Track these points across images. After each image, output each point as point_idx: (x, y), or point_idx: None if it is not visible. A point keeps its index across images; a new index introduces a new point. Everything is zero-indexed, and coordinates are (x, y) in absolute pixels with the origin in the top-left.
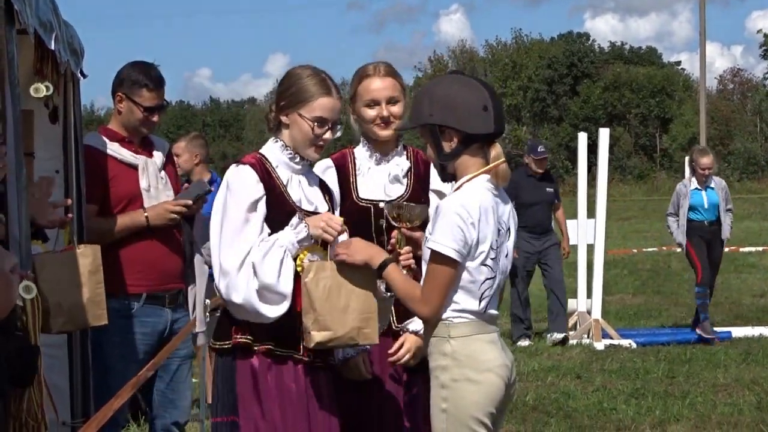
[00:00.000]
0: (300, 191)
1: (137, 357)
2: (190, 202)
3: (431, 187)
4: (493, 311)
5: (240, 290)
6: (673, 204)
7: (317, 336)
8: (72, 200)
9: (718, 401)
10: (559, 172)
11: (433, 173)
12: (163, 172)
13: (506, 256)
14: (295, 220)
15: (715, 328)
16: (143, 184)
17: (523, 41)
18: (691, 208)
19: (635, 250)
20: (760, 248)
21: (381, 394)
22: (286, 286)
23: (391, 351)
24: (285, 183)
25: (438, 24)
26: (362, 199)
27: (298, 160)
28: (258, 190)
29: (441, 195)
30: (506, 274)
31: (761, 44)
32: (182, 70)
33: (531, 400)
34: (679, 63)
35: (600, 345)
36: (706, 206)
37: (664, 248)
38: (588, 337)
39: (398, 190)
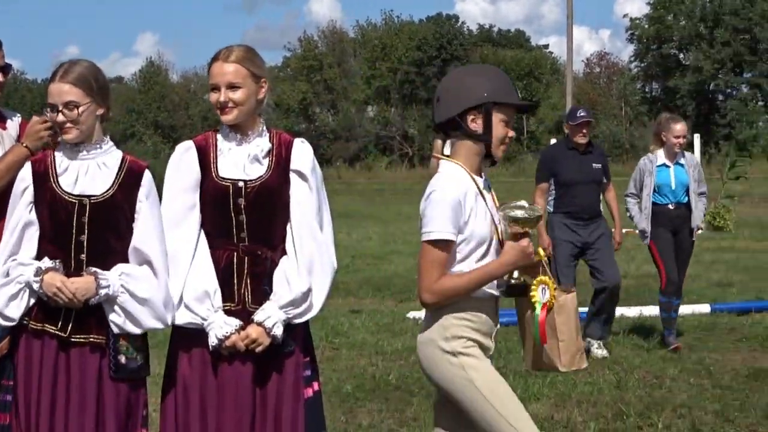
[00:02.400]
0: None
1: None
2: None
3: (292, 167)
4: None
5: None
6: (634, 181)
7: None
8: None
9: (578, 380)
10: (428, 153)
11: (295, 154)
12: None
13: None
14: (45, 264)
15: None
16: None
17: (393, 22)
18: (655, 189)
19: None
20: (624, 230)
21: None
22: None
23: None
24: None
25: (309, 5)
26: (222, 177)
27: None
28: None
29: (302, 175)
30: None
31: (627, 28)
32: (49, 48)
33: (393, 379)
34: (547, 46)
35: None
36: (673, 186)
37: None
38: None
39: (258, 171)
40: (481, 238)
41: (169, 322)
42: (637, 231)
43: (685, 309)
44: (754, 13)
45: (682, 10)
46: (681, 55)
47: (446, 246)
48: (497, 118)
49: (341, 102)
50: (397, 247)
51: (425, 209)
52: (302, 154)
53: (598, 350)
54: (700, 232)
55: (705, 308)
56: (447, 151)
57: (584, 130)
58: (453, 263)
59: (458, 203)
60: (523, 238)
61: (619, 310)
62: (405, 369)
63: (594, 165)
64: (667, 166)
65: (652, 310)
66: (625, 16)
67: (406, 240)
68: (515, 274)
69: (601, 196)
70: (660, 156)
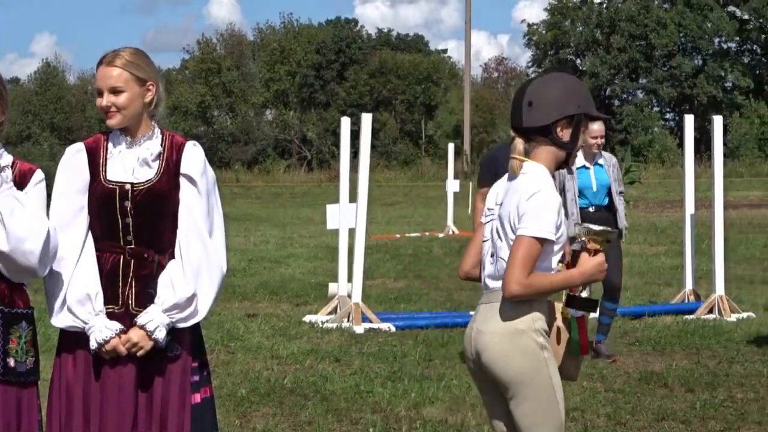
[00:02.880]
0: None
1: None
2: None
3: (182, 171)
4: (483, 275)
5: None
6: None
7: None
8: None
9: (472, 384)
10: (326, 157)
11: (185, 157)
12: None
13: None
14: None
15: (473, 313)
16: None
17: (292, 26)
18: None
19: (398, 235)
20: None
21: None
22: None
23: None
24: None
25: (209, 7)
26: (109, 180)
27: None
28: None
29: (191, 179)
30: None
31: (525, 34)
32: None
33: (288, 383)
34: (445, 51)
35: (360, 329)
36: (594, 189)
37: (427, 233)
38: (348, 320)
39: (147, 174)
40: (565, 239)
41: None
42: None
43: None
44: (650, 19)
45: (579, 17)
46: (578, 61)
47: (545, 245)
48: (581, 128)
49: (240, 105)
50: (294, 250)
51: (529, 207)
52: (193, 157)
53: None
54: (626, 231)
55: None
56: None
57: None
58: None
59: (560, 205)
60: (598, 254)
61: None
62: (300, 373)
63: None
64: (587, 168)
65: None
66: (522, 21)
67: (304, 243)
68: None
69: None
70: (578, 158)
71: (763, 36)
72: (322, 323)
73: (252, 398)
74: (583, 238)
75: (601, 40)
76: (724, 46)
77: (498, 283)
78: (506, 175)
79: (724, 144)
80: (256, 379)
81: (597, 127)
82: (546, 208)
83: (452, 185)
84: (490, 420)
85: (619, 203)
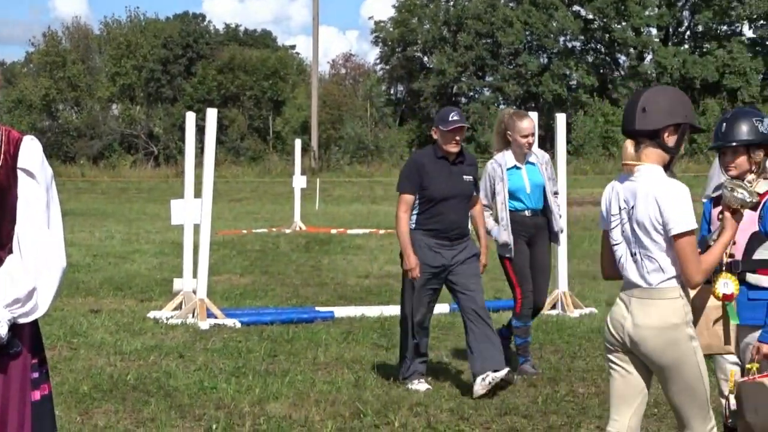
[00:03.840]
0: None
1: None
2: None
3: (19, 165)
4: (626, 274)
5: None
6: (484, 190)
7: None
8: None
9: (317, 379)
10: (173, 152)
11: (23, 152)
12: None
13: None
14: None
15: (319, 308)
16: None
17: (138, 20)
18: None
19: (245, 231)
20: (367, 230)
21: None
22: None
23: None
24: None
25: (55, 0)
26: None
27: None
28: None
29: (30, 174)
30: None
31: (373, 30)
32: None
33: (132, 379)
34: (294, 47)
35: (205, 324)
36: (528, 190)
37: (274, 229)
38: (193, 316)
39: None
40: None
41: None
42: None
43: None
44: (496, 17)
45: (426, 14)
46: (425, 58)
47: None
48: (684, 137)
49: (85, 99)
50: (139, 246)
51: (675, 206)
52: (31, 151)
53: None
54: (562, 234)
55: (444, 308)
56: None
57: (457, 137)
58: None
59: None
60: (737, 213)
61: (360, 310)
62: (144, 369)
63: (465, 177)
64: (518, 168)
65: (393, 310)
66: (370, 18)
67: (149, 239)
68: None
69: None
70: (509, 158)
71: (607, 35)
72: (167, 319)
73: (94, 394)
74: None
75: (448, 37)
76: (569, 45)
77: (650, 280)
78: (617, 178)
79: (569, 142)
80: (99, 375)
81: (526, 124)
82: (684, 200)
83: (299, 181)
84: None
85: (554, 205)
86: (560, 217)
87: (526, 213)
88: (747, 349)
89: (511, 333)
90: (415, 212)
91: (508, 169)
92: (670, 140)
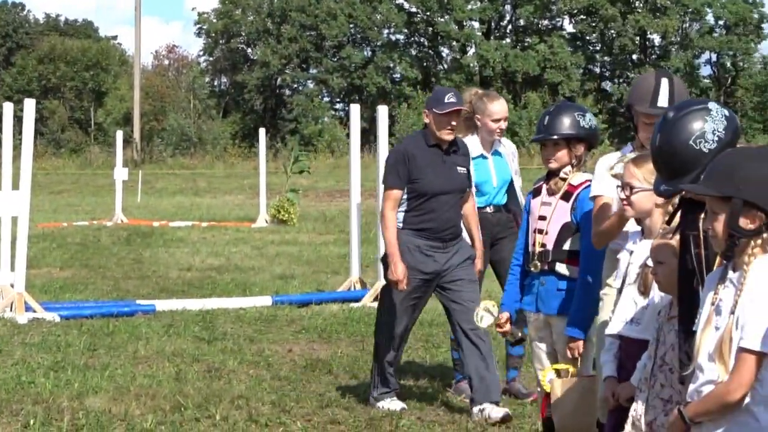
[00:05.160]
0: None
1: None
2: None
3: None
4: None
5: None
6: None
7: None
8: None
9: (137, 373)
10: None
11: None
12: None
13: None
14: None
15: (140, 302)
16: None
17: None
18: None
19: (65, 224)
20: (190, 223)
21: None
22: None
23: None
24: None
25: None
26: None
27: None
28: None
29: None
30: None
31: (196, 22)
32: None
33: None
34: (116, 37)
35: (23, 318)
36: (495, 183)
37: (95, 222)
38: (11, 310)
39: None
40: None
41: None
42: None
43: (246, 301)
44: (321, 10)
45: (250, 6)
46: (249, 50)
47: None
48: None
49: None
50: None
51: None
52: None
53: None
54: None
55: (267, 300)
56: None
57: (453, 122)
58: None
59: None
60: None
61: (181, 303)
62: None
63: (459, 169)
64: (485, 158)
65: (214, 303)
66: (193, 9)
67: None
68: None
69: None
70: (474, 145)
71: (430, 28)
72: None
73: None
74: None
75: (273, 29)
76: (393, 38)
77: None
78: None
79: (392, 134)
80: None
81: (499, 107)
82: None
83: (121, 173)
84: None
85: (522, 198)
86: None
87: (488, 210)
88: (560, 339)
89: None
90: (402, 209)
91: (474, 158)
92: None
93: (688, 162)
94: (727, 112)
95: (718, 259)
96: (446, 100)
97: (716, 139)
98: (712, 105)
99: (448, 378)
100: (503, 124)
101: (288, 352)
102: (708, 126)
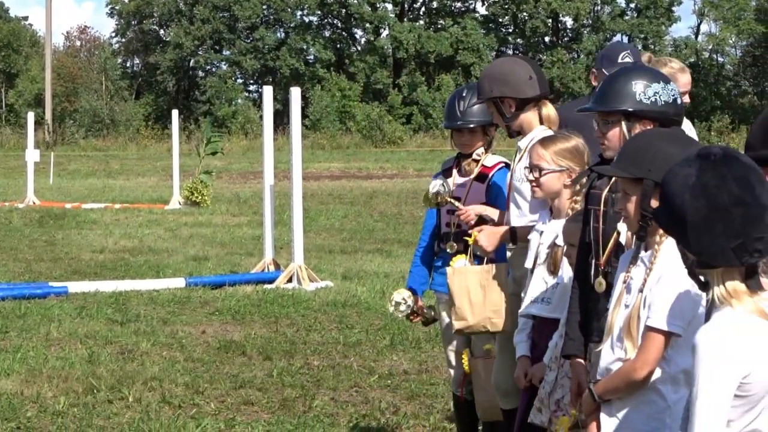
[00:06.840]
0: None
1: None
2: None
3: None
4: None
5: None
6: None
7: (456, 324)
8: None
9: (50, 355)
10: None
11: None
12: None
13: None
14: None
15: (52, 284)
16: None
17: None
18: None
19: None
20: (102, 205)
21: None
22: None
23: None
24: None
25: None
26: None
27: None
28: None
29: None
30: None
31: (108, 3)
32: None
33: None
34: (27, 18)
35: None
36: None
37: (6, 204)
38: None
39: None
40: None
41: None
42: None
43: (160, 283)
44: None
45: None
46: (161, 32)
47: None
48: None
49: None
50: None
51: None
52: None
53: None
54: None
55: (180, 282)
56: None
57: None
58: None
59: None
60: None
61: (94, 285)
62: None
63: None
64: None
65: (127, 285)
66: None
67: None
68: None
69: None
70: None
71: (344, 10)
72: None
73: None
74: None
75: (185, 10)
76: (306, 20)
77: None
78: None
79: (306, 116)
80: None
81: None
82: None
83: (33, 155)
84: None
85: None
86: None
87: None
88: None
89: None
90: None
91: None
92: None
93: (619, 93)
94: (679, 100)
95: (631, 238)
96: (621, 58)
97: (653, 99)
98: (674, 84)
99: (361, 358)
100: None
101: (201, 333)
102: (656, 87)
